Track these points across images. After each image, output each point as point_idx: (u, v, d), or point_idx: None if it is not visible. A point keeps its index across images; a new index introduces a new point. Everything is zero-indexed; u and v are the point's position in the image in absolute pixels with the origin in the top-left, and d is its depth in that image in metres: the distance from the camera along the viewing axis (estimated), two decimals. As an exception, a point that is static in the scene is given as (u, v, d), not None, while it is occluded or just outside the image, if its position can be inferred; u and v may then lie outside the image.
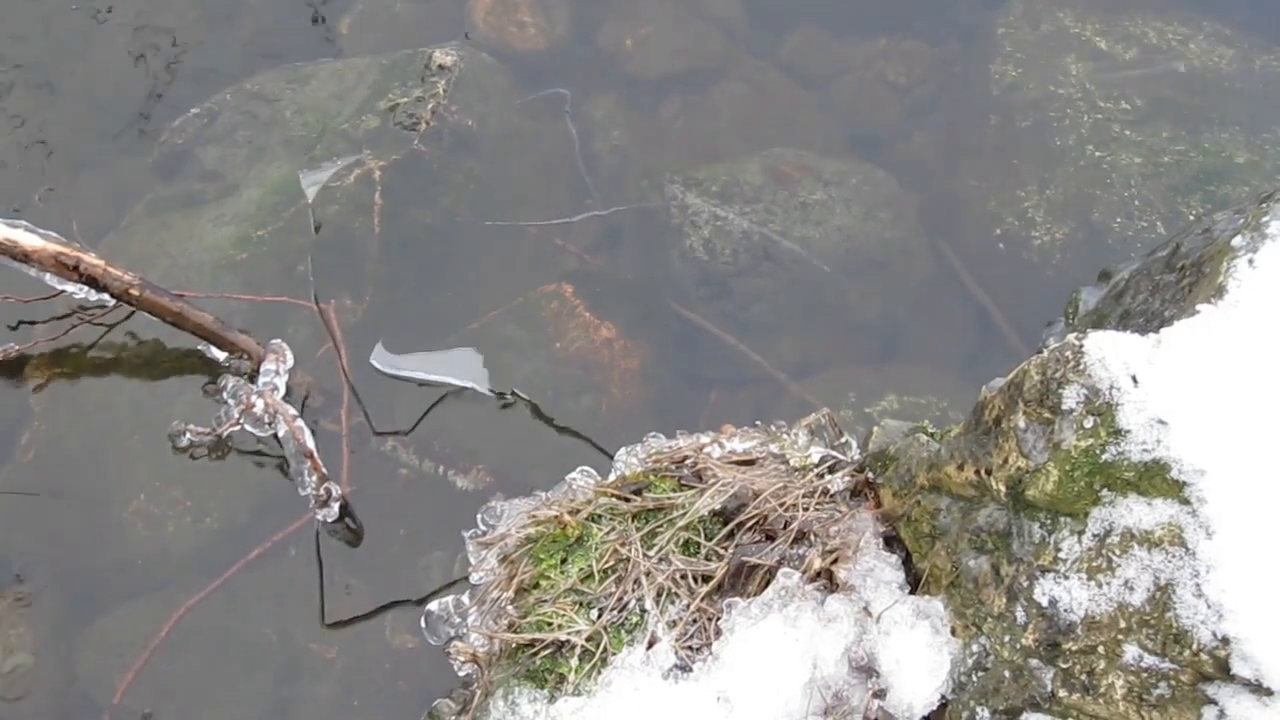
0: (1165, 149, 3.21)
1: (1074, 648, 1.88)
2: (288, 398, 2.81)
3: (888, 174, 3.37)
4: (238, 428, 2.77)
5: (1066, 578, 1.89)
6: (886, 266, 3.17)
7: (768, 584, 2.23)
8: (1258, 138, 3.21)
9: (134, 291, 2.82)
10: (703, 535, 2.35)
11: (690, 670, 2.16)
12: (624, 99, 3.56)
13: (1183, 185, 3.13)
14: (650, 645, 2.20)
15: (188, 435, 2.79)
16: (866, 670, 2.10)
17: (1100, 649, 1.85)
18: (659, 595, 2.27)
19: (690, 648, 2.20)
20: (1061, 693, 1.89)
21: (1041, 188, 3.21)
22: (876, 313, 3.11)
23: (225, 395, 2.81)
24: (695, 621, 2.24)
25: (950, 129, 3.51)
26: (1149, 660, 1.81)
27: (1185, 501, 1.80)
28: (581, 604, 2.29)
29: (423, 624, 2.52)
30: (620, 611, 2.26)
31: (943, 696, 2.05)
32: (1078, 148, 3.24)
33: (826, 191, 3.25)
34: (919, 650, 2.07)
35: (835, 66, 3.71)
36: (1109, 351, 1.88)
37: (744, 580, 2.27)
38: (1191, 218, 3.02)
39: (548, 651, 2.24)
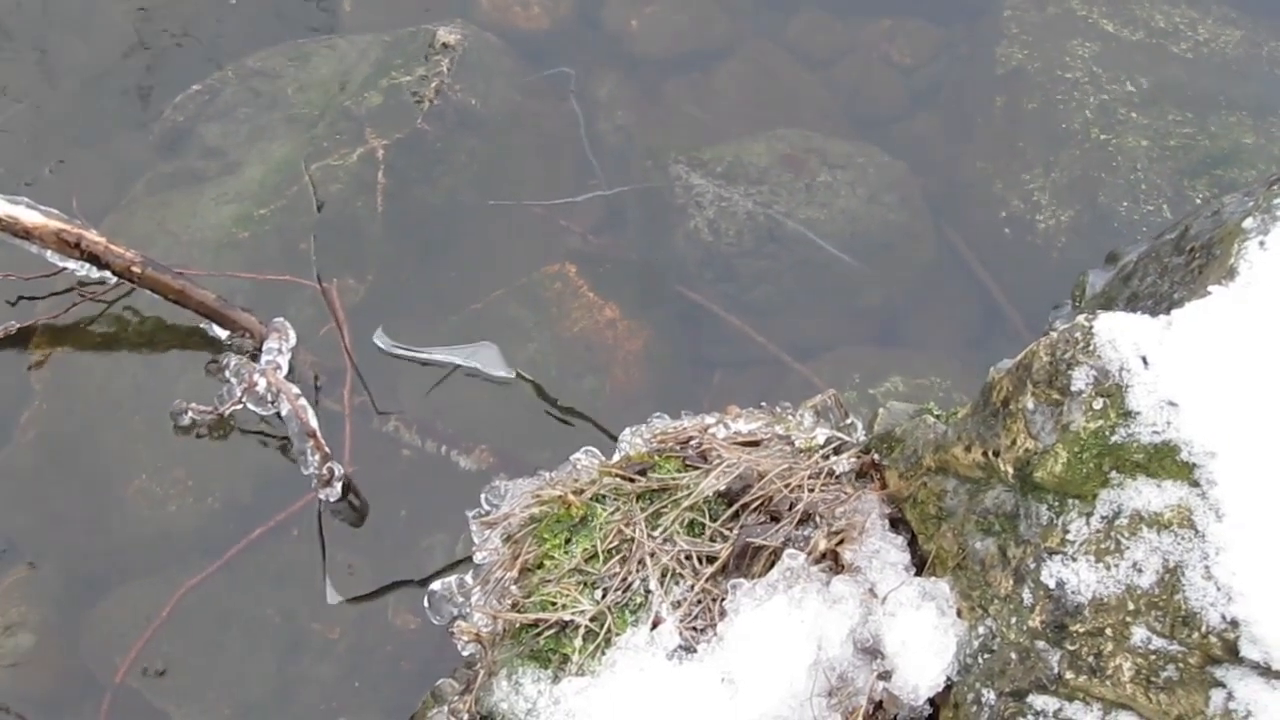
0: (1172, 132, 3.20)
1: (1081, 630, 1.87)
2: (290, 377, 2.80)
3: (893, 156, 3.36)
4: (240, 406, 2.76)
5: (1074, 560, 1.89)
6: (891, 249, 3.16)
7: (773, 565, 2.22)
8: (1265, 121, 3.20)
9: (136, 269, 2.81)
10: (707, 516, 2.34)
11: (695, 651, 2.15)
12: (628, 79, 3.54)
13: (1189, 168, 3.12)
14: (655, 626, 2.20)
15: (190, 414, 2.78)
16: (872, 652, 2.10)
17: (1108, 631, 1.85)
18: (663, 576, 2.26)
19: (695, 628, 2.20)
20: (1068, 675, 1.88)
21: (1047, 170, 3.20)
22: (881, 295, 3.10)
23: (227, 374, 2.80)
24: (700, 602, 2.23)
25: (956, 111, 3.49)
26: (1157, 642, 1.81)
27: (1195, 484, 1.80)
28: (586, 584, 2.28)
29: (426, 604, 2.51)
30: (624, 592, 2.26)
31: (948, 678, 2.05)
32: (1084, 130, 3.23)
33: (832, 173, 3.24)
34: (925, 632, 2.07)
35: (840, 47, 3.69)
36: (1119, 333, 1.87)
37: (749, 561, 2.26)
38: (1199, 201, 3.01)
39: (552, 631, 2.24)
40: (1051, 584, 1.91)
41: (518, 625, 2.27)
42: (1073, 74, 3.33)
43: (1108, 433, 1.86)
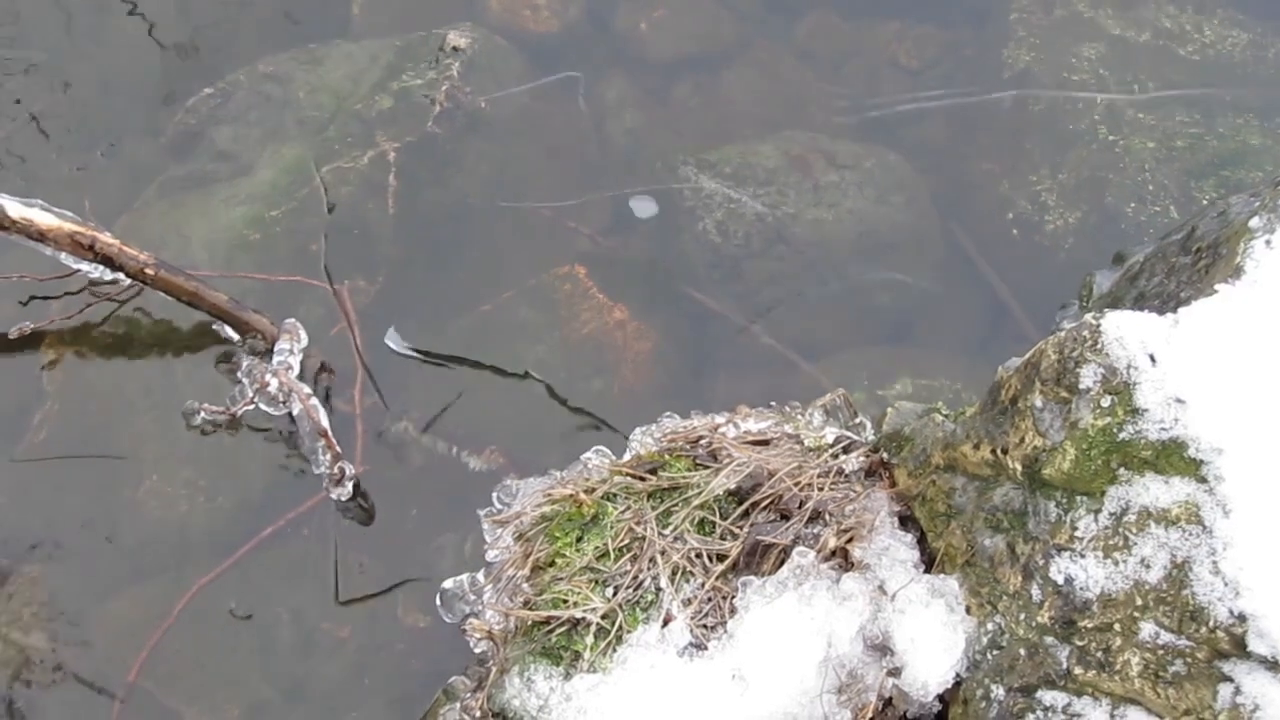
0: (1179, 133, 3.20)
1: (1090, 625, 1.88)
2: (301, 377, 2.81)
3: (900, 158, 3.37)
4: (252, 407, 2.77)
5: (1083, 556, 1.90)
6: (899, 250, 3.17)
7: (783, 563, 2.23)
8: (1271, 122, 3.20)
9: (149, 271, 2.83)
10: (718, 514, 2.35)
11: (705, 648, 2.17)
12: (637, 82, 3.55)
13: (1196, 170, 3.13)
14: (665, 623, 2.21)
15: (202, 414, 2.79)
16: (881, 648, 2.11)
17: (1116, 626, 1.86)
18: (674, 573, 2.27)
19: (705, 626, 2.21)
20: (1077, 670, 1.90)
21: (1054, 172, 3.20)
22: (889, 296, 3.11)
23: (239, 374, 2.82)
24: (710, 600, 2.24)
25: (963, 113, 3.50)
26: (1165, 637, 1.82)
27: (1202, 480, 1.81)
28: (597, 582, 2.30)
29: (438, 601, 2.52)
30: (635, 589, 2.27)
31: (957, 675, 2.06)
32: (1090, 131, 3.23)
33: (839, 175, 3.25)
34: (934, 628, 2.08)
35: (848, 50, 3.70)
36: (1127, 330, 1.89)
37: (759, 559, 2.27)
38: (1205, 202, 3.01)
39: (563, 629, 2.25)
40: (1060, 580, 1.92)
41: (530, 622, 2.28)
42: (1080, 76, 3.34)
43: (1115, 430, 1.87)
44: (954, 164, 3.39)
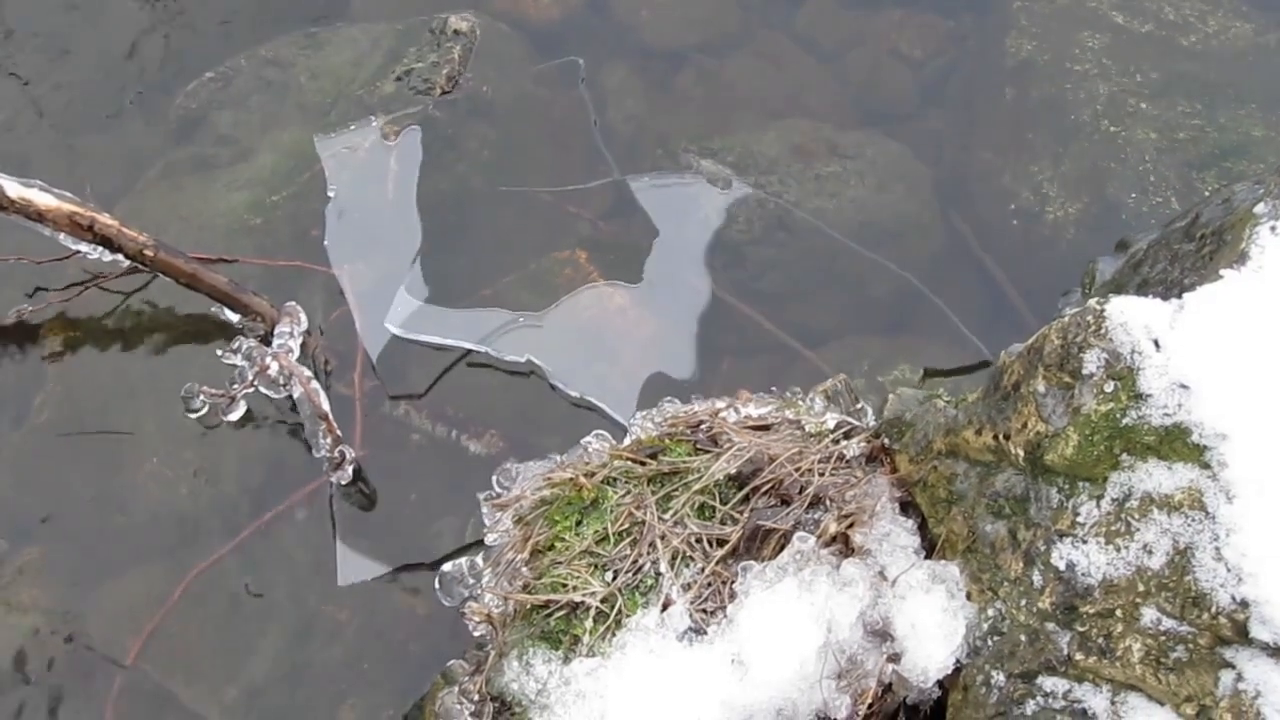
0: (1181, 124, 3.20)
1: (1091, 611, 1.88)
2: (301, 361, 2.81)
3: (902, 147, 3.36)
4: (252, 390, 2.77)
5: (1084, 542, 1.90)
6: (900, 239, 3.17)
7: (783, 548, 2.23)
8: (1275, 113, 3.20)
9: (149, 253, 2.82)
10: (718, 499, 2.35)
11: (705, 633, 2.16)
12: (639, 69, 3.54)
13: (1198, 161, 3.12)
14: (665, 608, 2.21)
15: (201, 397, 2.79)
16: (881, 634, 2.11)
17: (1118, 612, 1.86)
18: (674, 558, 2.27)
19: (705, 611, 2.21)
20: (1078, 656, 1.89)
21: (1056, 162, 3.20)
22: (890, 284, 3.10)
23: (239, 358, 2.81)
24: (710, 585, 2.24)
25: (964, 102, 3.50)
26: (1167, 623, 1.81)
27: (1206, 466, 1.81)
28: (596, 566, 2.29)
29: (437, 584, 2.52)
30: (635, 574, 2.27)
31: (958, 660, 2.05)
32: (1093, 122, 3.23)
33: (841, 164, 3.24)
34: (934, 614, 2.07)
35: (849, 39, 3.69)
36: (1131, 316, 1.88)
37: (759, 544, 2.27)
38: (1207, 193, 3.01)
39: (562, 613, 2.25)
40: (1061, 566, 1.92)
41: (529, 606, 2.28)
42: (1082, 65, 3.33)
43: (1119, 415, 1.87)
44: (955, 154, 3.39)
